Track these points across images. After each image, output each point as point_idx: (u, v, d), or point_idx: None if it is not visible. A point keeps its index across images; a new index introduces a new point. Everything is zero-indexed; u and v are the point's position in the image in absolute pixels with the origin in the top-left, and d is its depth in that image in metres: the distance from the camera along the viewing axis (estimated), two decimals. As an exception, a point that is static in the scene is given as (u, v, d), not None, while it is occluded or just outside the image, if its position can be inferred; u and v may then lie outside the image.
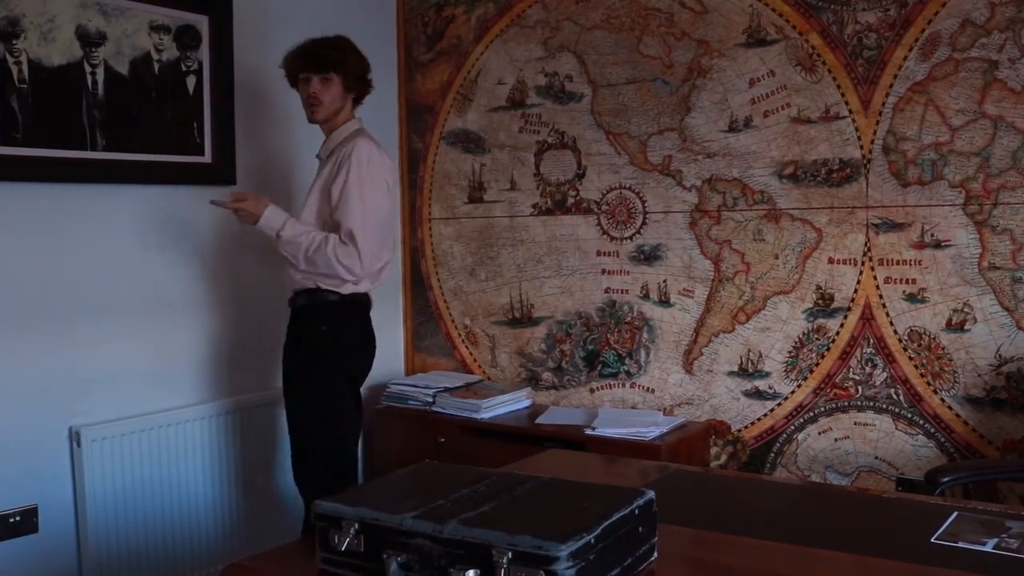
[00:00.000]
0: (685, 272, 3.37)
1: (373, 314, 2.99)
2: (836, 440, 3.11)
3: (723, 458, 3.32)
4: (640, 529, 1.49)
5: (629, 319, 3.51)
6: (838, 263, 3.08)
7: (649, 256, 3.45)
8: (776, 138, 3.15)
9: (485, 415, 3.46)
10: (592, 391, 3.62)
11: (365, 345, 2.98)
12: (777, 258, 3.18)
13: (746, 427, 3.28)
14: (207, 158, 3.22)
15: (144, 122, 3.03)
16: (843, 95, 3.03)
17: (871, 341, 3.03)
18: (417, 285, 4.04)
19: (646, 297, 3.47)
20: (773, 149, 3.16)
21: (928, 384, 2.95)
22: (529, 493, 1.56)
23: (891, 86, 2.94)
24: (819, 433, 3.14)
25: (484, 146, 3.83)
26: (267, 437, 3.40)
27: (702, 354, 3.35)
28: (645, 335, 3.48)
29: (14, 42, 2.69)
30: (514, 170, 3.75)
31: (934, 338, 2.93)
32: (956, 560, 1.53)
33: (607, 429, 3.18)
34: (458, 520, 1.40)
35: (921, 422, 2.96)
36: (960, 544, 1.61)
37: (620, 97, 3.46)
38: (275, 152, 3.50)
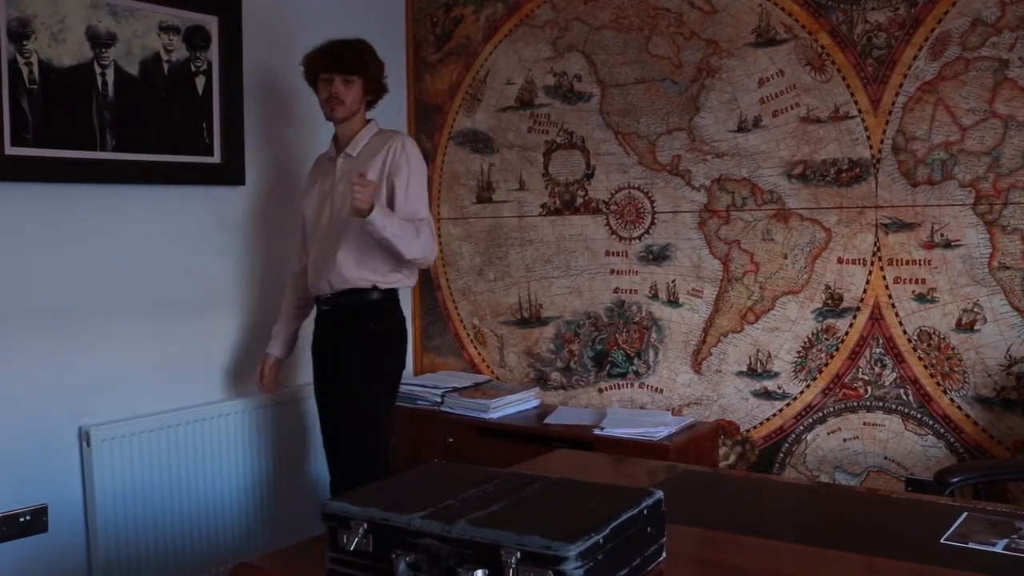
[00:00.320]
0: (694, 272, 3.36)
1: None
2: (845, 440, 3.10)
3: (732, 458, 3.32)
4: (649, 529, 1.49)
5: (638, 319, 3.51)
6: (847, 263, 3.07)
7: (658, 256, 3.44)
8: (785, 138, 3.14)
9: (494, 415, 3.46)
10: (601, 391, 3.62)
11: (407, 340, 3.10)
12: (786, 258, 3.18)
13: (755, 427, 3.27)
14: (216, 158, 3.23)
15: (154, 122, 3.04)
16: (852, 95, 3.02)
17: (880, 341, 3.02)
18: (426, 285, 4.05)
19: (655, 297, 3.46)
20: (782, 149, 3.15)
21: (938, 384, 2.94)
22: (538, 493, 1.56)
23: (901, 85, 2.93)
24: (828, 433, 3.13)
25: (493, 146, 3.83)
26: (277, 436, 3.41)
27: (711, 354, 3.35)
28: (654, 335, 3.47)
29: (25, 43, 2.70)
30: (523, 170, 3.75)
31: (944, 338, 2.92)
32: (966, 561, 1.53)
33: (616, 429, 3.18)
34: (467, 520, 1.40)
35: (931, 422, 2.95)
36: (970, 545, 1.61)
37: (629, 97, 3.46)
38: (284, 152, 3.50)
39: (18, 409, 2.74)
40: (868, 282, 3.04)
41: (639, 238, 3.48)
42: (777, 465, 3.23)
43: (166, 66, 3.07)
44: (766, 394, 3.24)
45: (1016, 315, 2.80)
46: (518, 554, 1.32)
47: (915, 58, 2.90)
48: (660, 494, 1.53)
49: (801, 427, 3.18)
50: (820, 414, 3.14)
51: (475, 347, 3.95)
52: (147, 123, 3.02)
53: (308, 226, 3.04)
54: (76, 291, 2.88)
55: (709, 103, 3.29)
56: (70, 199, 2.86)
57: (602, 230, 3.57)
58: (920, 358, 2.96)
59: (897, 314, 2.99)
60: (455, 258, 3.96)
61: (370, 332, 2.90)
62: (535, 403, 3.66)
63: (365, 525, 1.47)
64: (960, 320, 2.89)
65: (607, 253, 3.56)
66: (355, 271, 2.86)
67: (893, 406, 3.01)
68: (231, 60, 3.23)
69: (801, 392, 3.17)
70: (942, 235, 2.90)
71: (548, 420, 3.39)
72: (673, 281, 3.42)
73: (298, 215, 3.15)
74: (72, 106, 2.83)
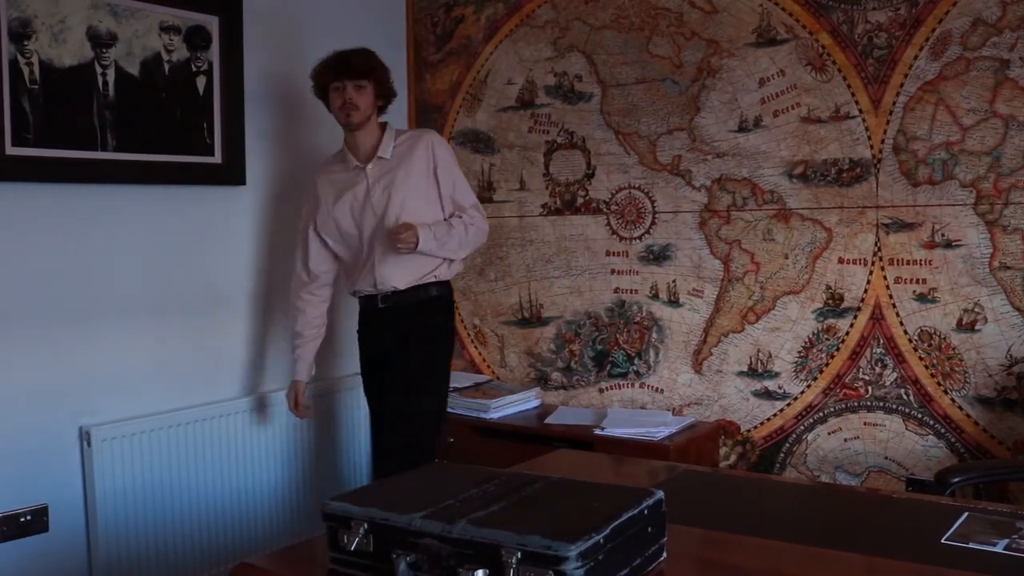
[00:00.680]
0: (694, 272, 3.36)
1: None
2: (846, 440, 3.10)
3: (732, 458, 3.32)
4: (649, 529, 1.49)
5: (638, 319, 3.51)
6: (848, 263, 3.07)
7: (658, 256, 3.44)
8: (786, 138, 3.14)
9: (494, 415, 3.46)
10: (601, 391, 3.62)
11: None
12: (787, 258, 3.18)
13: (755, 427, 3.27)
14: (217, 158, 3.23)
15: (154, 123, 3.04)
16: (853, 95, 3.02)
17: (881, 341, 3.02)
18: (426, 285, 4.04)
19: (655, 297, 3.46)
20: (783, 149, 3.15)
21: (938, 384, 2.94)
22: (538, 493, 1.56)
23: (901, 85, 2.93)
24: (829, 433, 3.13)
25: (493, 146, 3.83)
26: (278, 436, 3.41)
27: (711, 354, 3.35)
28: (654, 335, 3.47)
29: (25, 43, 2.70)
30: (523, 170, 3.75)
31: (944, 338, 2.92)
32: (966, 561, 1.53)
33: (616, 429, 3.18)
34: (467, 520, 1.40)
35: (931, 422, 2.95)
36: (970, 545, 1.61)
37: (629, 97, 3.46)
38: (285, 152, 3.50)
39: (19, 409, 2.74)
40: (869, 282, 3.03)
41: (640, 238, 3.48)
42: (778, 465, 3.23)
43: (167, 66, 3.07)
44: (767, 394, 3.24)
45: (1017, 315, 2.80)
46: (519, 554, 1.32)
47: (916, 58, 2.90)
48: (661, 494, 1.53)
49: (802, 427, 3.18)
50: (821, 414, 3.14)
51: (476, 347, 3.95)
52: (148, 123, 3.02)
53: (344, 235, 3.02)
54: (77, 291, 2.88)
55: (710, 103, 3.29)
56: (71, 199, 2.86)
57: (603, 230, 3.57)
58: (921, 358, 2.96)
59: (898, 314, 2.99)
60: (456, 258, 3.96)
61: (432, 327, 3.00)
62: (536, 403, 3.66)
63: (366, 525, 1.48)
64: (961, 320, 2.89)
65: (608, 253, 3.56)
66: (416, 270, 2.95)
67: (894, 406, 3.01)
68: (232, 60, 3.23)
69: (802, 392, 3.17)
70: (943, 235, 2.90)
71: (549, 420, 3.39)
72: (674, 281, 3.42)
73: (301, 229, 3.12)
74: (73, 106, 2.83)
